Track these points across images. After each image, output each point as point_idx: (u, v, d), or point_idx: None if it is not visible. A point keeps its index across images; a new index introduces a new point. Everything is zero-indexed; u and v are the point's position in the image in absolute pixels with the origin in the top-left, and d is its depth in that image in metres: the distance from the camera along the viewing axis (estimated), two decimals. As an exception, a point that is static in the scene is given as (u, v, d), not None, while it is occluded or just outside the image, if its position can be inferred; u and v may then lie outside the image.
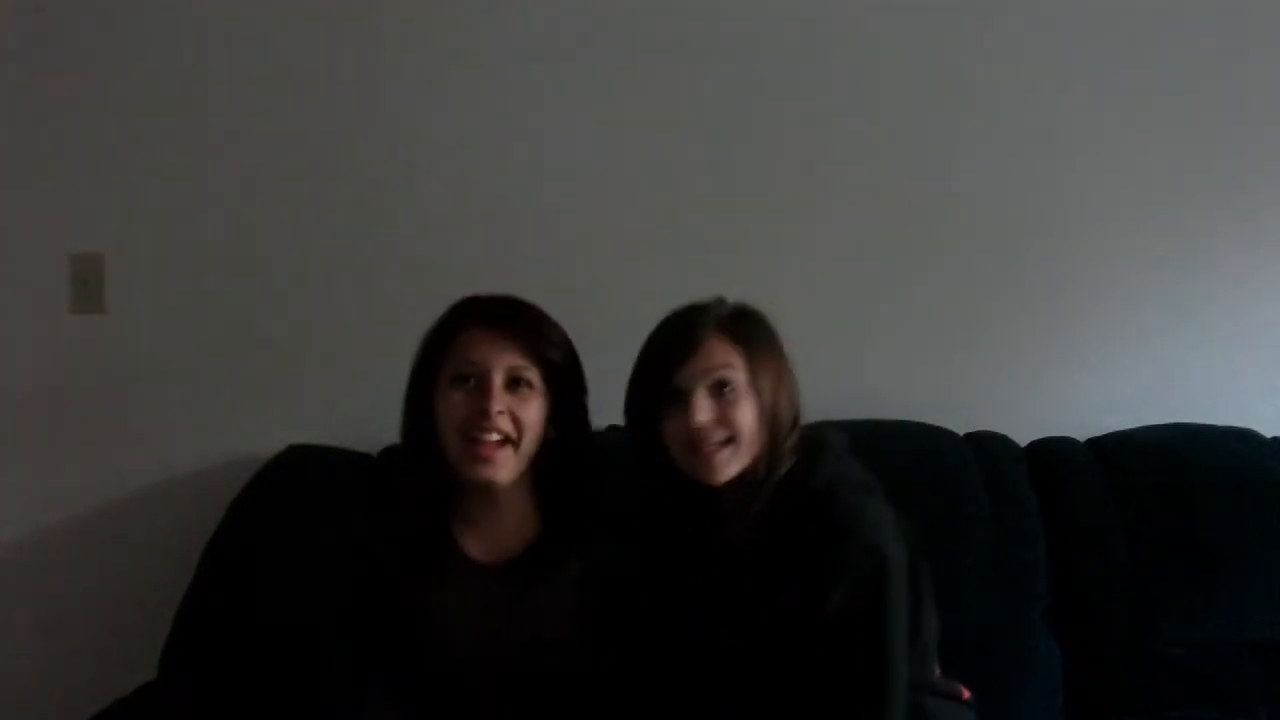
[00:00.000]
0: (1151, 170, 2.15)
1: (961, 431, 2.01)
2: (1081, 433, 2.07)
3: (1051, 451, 2.03)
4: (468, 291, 2.12)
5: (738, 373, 1.37)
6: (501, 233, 2.14)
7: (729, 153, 2.14)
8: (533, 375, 1.45)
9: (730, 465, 1.37)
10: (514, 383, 1.45)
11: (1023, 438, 2.03)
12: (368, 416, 2.09)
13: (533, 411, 1.45)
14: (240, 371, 2.15)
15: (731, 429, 1.36)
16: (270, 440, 2.04)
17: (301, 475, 1.98)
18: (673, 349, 1.40)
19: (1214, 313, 2.15)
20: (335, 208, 2.15)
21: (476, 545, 1.49)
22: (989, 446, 1.99)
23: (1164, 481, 1.94)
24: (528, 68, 2.14)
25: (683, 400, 1.37)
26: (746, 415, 1.37)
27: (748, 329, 1.42)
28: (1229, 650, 1.87)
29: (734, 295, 2.10)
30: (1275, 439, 2.04)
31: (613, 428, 2.05)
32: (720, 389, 1.37)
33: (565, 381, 1.49)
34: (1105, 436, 2.05)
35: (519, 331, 1.46)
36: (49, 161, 2.15)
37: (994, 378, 2.13)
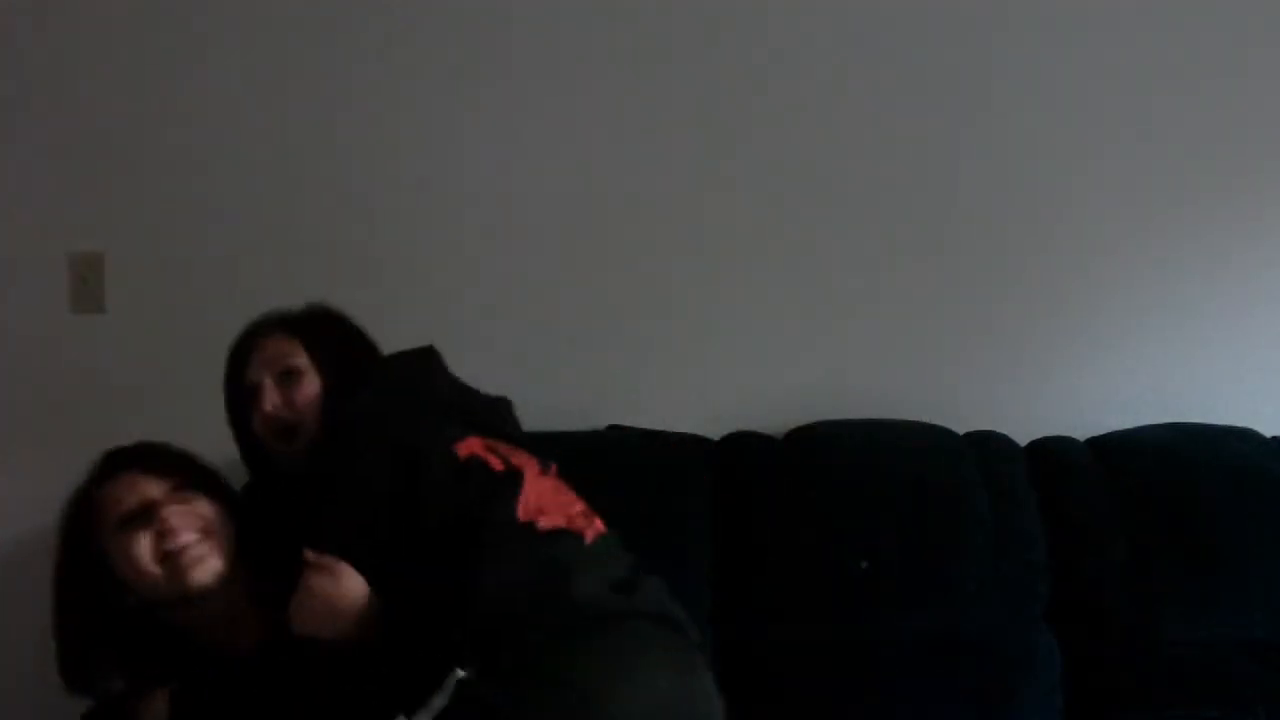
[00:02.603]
0: (1152, 170, 2.15)
1: (961, 431, 2.01)
2: (1081, 433, 2.07)
3: (1051, 451, 2.02)
4: (468, 292, 2.14)
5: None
6: (501, 233, 2.14)
7: (731, 152, 2.14)
8: None
9: None
10: None
11: (1023, 438, 2.03)
12: (367, 416, 2.09)
13: None
14: (240, 371, 2.14)
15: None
16: (270, 440, 2.04)
17: (301, 475, 1.97)
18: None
19: (1214, 313, 2.15)
20: (335, 209, 2.14)
21: None
22: (989, 446, 1.99)
23: (1164, 481, 1.94)
24: (526, 73, 2.14)
25: None
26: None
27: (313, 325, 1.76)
28: (1229, 650, 1.87)
29: (733, 294, 2.14)
30: (1275, 439, 2.04)
31: (613, 427, 2.06)
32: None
33: None
34: (1105, 436, 2.05)
35: None
36: (49, 161, 2.15)
37: (994, 378, 2.13)
